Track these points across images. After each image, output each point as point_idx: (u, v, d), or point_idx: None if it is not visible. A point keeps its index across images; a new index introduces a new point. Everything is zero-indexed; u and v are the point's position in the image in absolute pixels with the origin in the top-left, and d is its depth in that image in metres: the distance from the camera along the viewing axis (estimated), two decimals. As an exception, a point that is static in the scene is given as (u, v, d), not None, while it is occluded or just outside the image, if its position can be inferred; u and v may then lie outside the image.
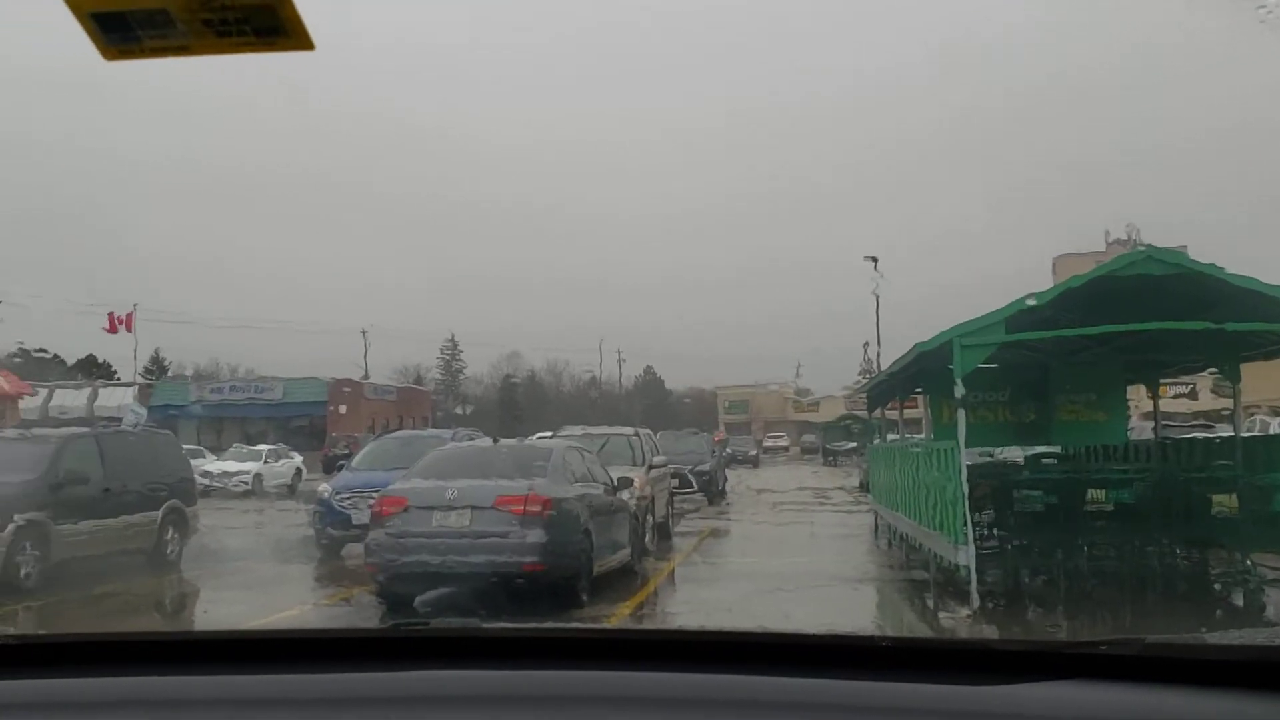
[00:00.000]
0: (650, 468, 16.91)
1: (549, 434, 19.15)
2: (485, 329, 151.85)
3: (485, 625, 1.95)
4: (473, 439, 17.51)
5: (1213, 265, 9.87)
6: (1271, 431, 29.16)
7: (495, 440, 13.39)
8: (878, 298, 52.87)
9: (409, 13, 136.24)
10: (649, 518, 15.41)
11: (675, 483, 20.41)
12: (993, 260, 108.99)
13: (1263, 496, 10.22)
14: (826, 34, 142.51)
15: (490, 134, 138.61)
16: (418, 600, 11.04)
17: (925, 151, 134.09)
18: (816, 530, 20.14)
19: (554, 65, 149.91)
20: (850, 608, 11.49)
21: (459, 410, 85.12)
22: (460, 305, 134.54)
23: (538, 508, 10.37)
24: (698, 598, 12.30)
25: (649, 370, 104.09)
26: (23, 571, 12.23)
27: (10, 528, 12.10)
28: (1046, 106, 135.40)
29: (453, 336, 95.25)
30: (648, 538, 15.15)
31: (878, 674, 1.60)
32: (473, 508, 10.45)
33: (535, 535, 10.24)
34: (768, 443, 71.26)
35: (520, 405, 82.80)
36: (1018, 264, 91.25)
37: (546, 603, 10.10)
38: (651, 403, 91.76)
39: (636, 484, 14.43)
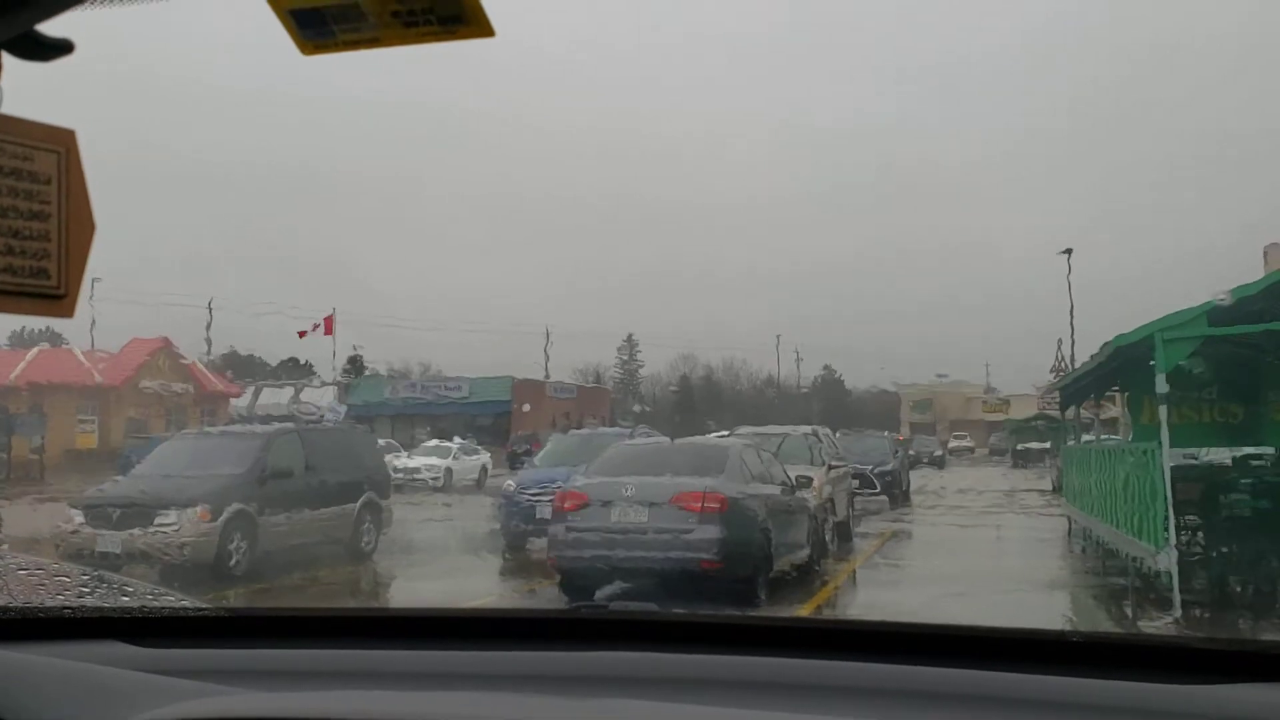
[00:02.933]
0: (829, 467, 16.68)
1: (725, 433, 19.14)
2: (663, 329, 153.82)
3: (662, 610, 1.97)
4: (650, 437, 17.68)
5: None
6: None
7: (671, 439, 13.47)
8: (1071, 292, 50.65)
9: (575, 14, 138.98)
10: (829, 518, 15.20)
11: (856, 483, 20.07)
12: (1196, 249, 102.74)
13: None
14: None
15: (662, 131, 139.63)
16: (597, 594, 11.24)
17: (1116, 124, 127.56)
18: (1005, 534, 19.44)
19: (720, 61, 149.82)
20: (1042, 613, 11.02)
21: (636, 409, 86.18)
22: (638, 305, 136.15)
23: (715, 505, 10.38)
24: (879, 600, 12.06)
25: (828, 369, 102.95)
26: (233, 560, 13.03)
27: (222, 517, 12.92)
28: (1257, 73, 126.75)
29: (630, 336, 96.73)
30: (828, 538, 14.95)
31: (1073, 669, 1.56)
32: (650, 504, 10.54)
33: (712, 532, 10.25)
34: (953, 443, 69.24)
35: (697, 404, 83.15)
36: (1224, 253, 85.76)
37: (724, 600, 10.09)
38: (830, 402, 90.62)
39: (815, 483, 14.28)
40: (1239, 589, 10.66)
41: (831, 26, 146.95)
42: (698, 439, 16.04)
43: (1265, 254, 58.42)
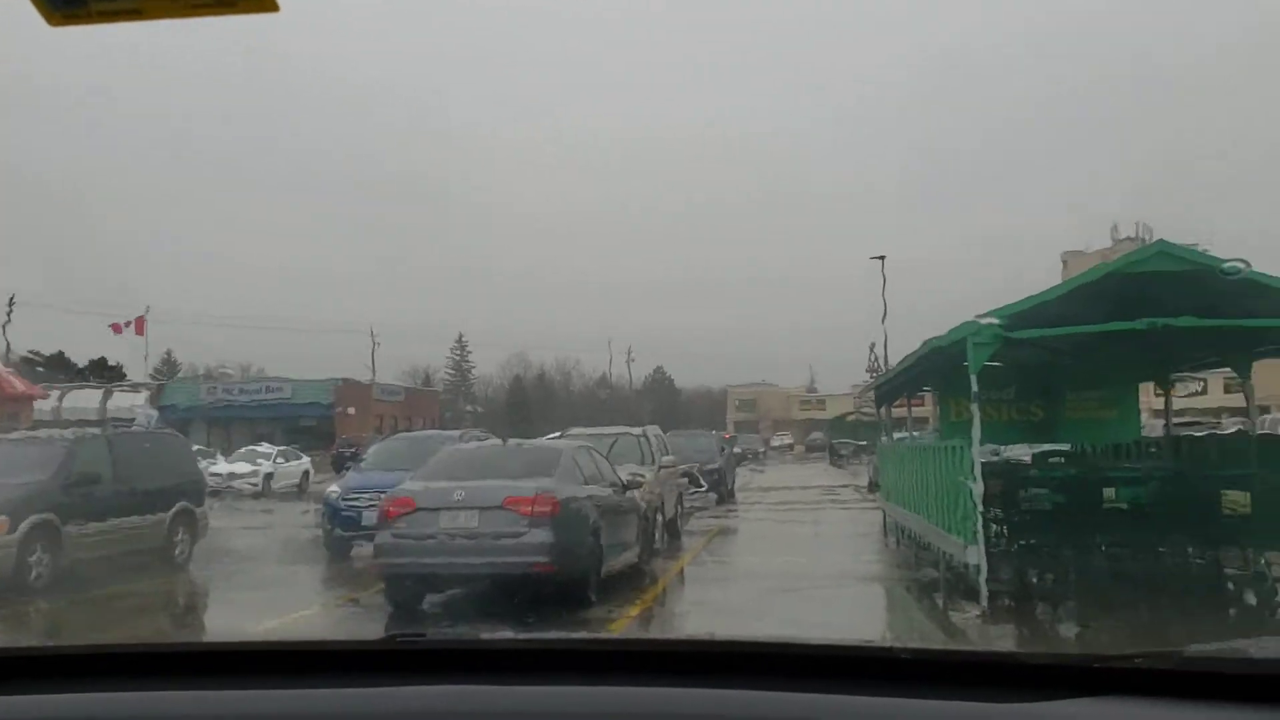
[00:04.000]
0: (660, 467, 16.87)
1: (557, 434, 19.12)
2: (495, 329, 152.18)
3: (484, 637, 1.88)
4: (481, 439, 17.49)
5: (1236, 261, 9.73)
6: (1283, 428, 29.07)
7: (504, 441, 13.36)
8: (884, 297, 52.77)
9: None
10: (658, 517, 15.38)
11: (685, 482, 20.36)
12: (1001, 259, 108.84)
13: (1276, 495, 10.14)
14: (836, 42, 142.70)
15: (499, 132, 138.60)
16: (426, 602, 11.04)
17: (934, 150, 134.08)
18: (825, 529, 20.10)
19: (562, 64, 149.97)
20: (860, 608, 11.46)
21: (468, 410, 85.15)
22: (469, 306, 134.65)
23: (546, 508, 10.34)
24: (707, 598, 12.26)
25: (659, 370, 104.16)
26: (34, 573, 12.25)
27: (22, 528, 12.12)
28: (1053, 107, 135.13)
29: (461, 337, 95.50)
30: (657, 537, 15.12)
31: (897, 688, 1.53)
32: (481, 508, 10.42)
33: (544, 536, 10.21)
34: (775, 441, 71.32)
35: (529, 405, 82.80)
36: (1026, 261, 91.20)
37: (555, 603, 10.07)
38: (661, 402, 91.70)
39: (646, 483, 14.41)
40: (1040, 579, 11.31)
41: (634, 35, 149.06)
42: (529, 441, 15.98)
43: (1064, 261, 62.18)
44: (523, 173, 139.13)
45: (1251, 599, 10.22)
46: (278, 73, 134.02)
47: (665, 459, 17.81)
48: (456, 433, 20.49)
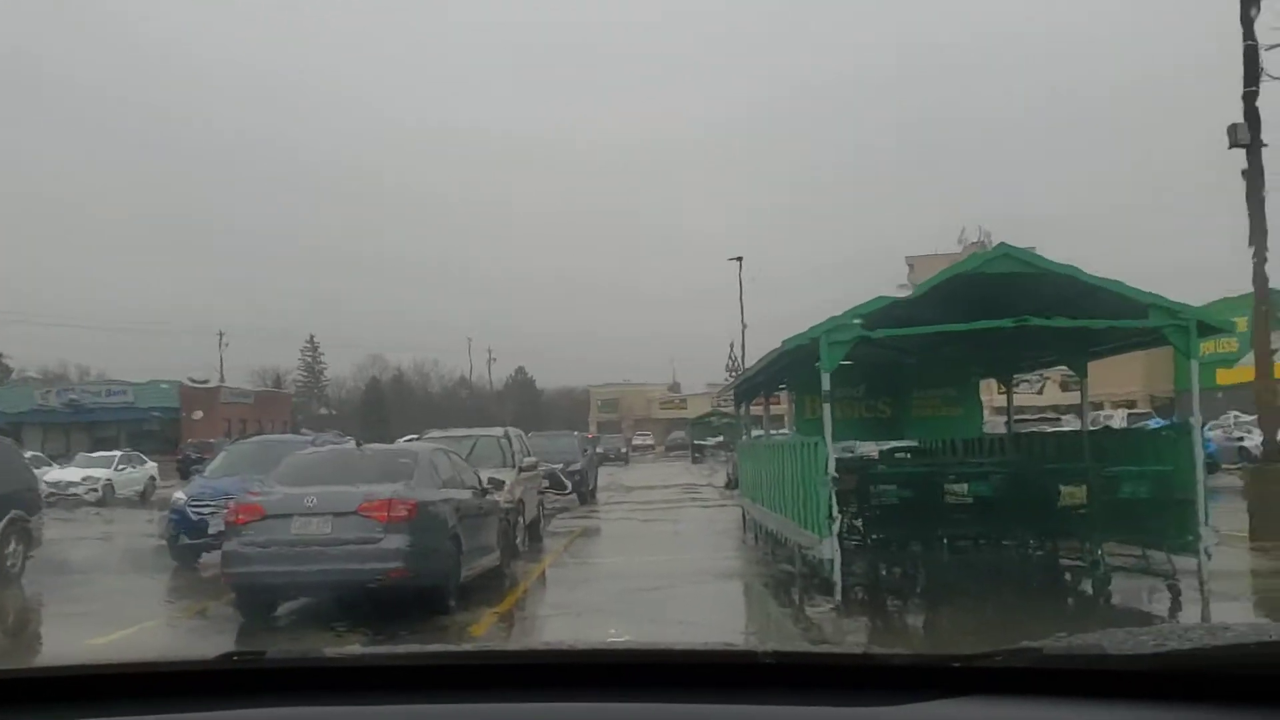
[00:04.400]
0: (521, 469, 16.75)
1: (415, 437, 18.79)
2: (350, 330, 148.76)
3: (328, 654, 1.79)
4: (335, 443, 17.05)
5: (1070, 266, 10.21)
6: (1115, 425, 30.73)
7: (358, 444, 13.02)
8: (742, 296, 53.77)
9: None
10: (519, 519, 15.26)
11: (546, 483, 20.29)
12: (853, 259, 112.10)
13: (1110, 487, 10.67)
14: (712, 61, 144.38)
15: (354, 124, 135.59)
16: (277, 611, 10.68)
17: (798, 165, 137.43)
18: (686, 527, 20.26)
19: (437, 50, 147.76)
20: (720, 605, 11.57)
21: (323, 413, 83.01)
22: (323, 306, 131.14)
23: (403, 513, 10.11)
24: (568, 600, 12.21)
25: (520, 370, 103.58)
26: None
27: None
28: (905, 112, 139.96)
29: (313, 338, 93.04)
30: (518, 540, 15.00)
31: (760, 694, 1.51)
32: (334, 514, 10.13)
33: (400, 541, 9.98)
34: (636, 440, 71.78)
35: (386, 408, 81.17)
36: (877, 263, 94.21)
37: (412, 610, 9.87)
38: (523, 403, 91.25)
39: (506, 486, 14.27)
40: (890, 572, 11.64)
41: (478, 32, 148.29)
42: (386, 444, 15.62)
43: (910, 265, 64.35)
44: (379, 165, 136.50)
45: (1088, 588, 10.73)
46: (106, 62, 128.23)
47: (526, 460, 17.70)
48: (309, 436, 19.95)
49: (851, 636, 9.53)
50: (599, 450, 43.17)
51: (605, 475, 35.41)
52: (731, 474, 26.43)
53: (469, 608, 10.73)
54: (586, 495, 26.33)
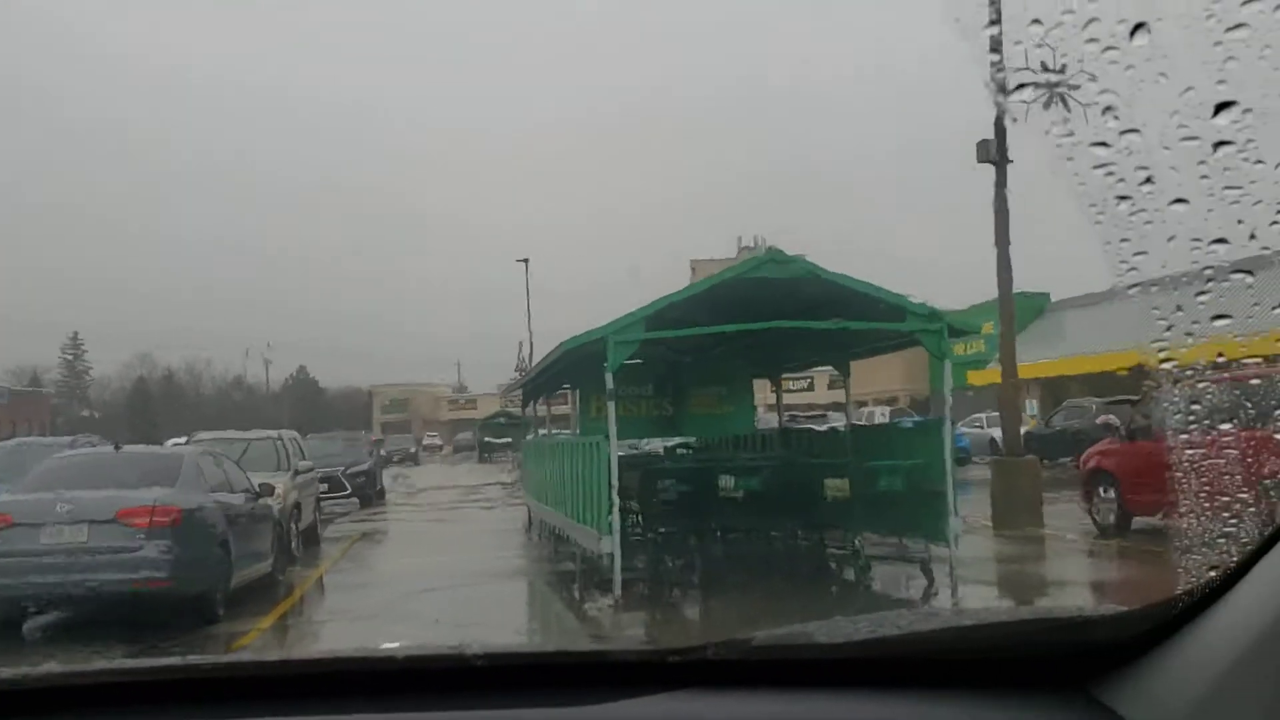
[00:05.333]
0: (296, 472, 16.23)
1: (183, 439, 17.91)
2: (116, 327, 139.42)
3: (75, 669, 1.67)
4: (94, 446, 16.05)
5: (840, 273, 10.77)
6: (877, 421, 32.56)
7: (118, 447, 12.30)
8: (529, 297, 53.98)
9: None
10: (294, 525, 14.79)
11: (325, 487, 19.79)
12: (639, 263, 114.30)
13: (870, 480, 11.32)
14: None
15: (108, 102, 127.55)
16: (27, 626, 9.99)
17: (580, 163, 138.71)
18: (471, 527, 20.16)
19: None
20: (502, 604, 11.58)
21: (85, 415, 77.71)
22: (86, 299, 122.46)
23: (166, 519, 9.64)
24: (345, 605, 11.93)
25: (301, 370, 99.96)
26: None
27: None
28: (692, 125, 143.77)
29: (75, 334, 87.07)
30: (294, 545, 14.55)
31: (471, 697, 1.49)
32: (90, 522, 9.55)
33: (163, 549, 9.51)
34: (425, 441, 70.84)
35: (154, 409, 76.76)
36: (661, 266, 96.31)
37: (177, 621, 9.42)
38: (303, 403, 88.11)
39: (279, 490, 13.83)
40: (668, 566, 11.96)
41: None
42: (149, 447, 14.82)
43: (693, 268, 66.16)
44: (153, 128, 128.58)
45: (850, 576, 11.35)
46: None
47: (303, 463, 17.16)
48: (67, 439, 18.69)
49: (630, 630, 9.75)
50: (385, 452, 42.34)
51: (391, 477, 34.78)
52: (518, 473, 26.45)
53: (239, 617, 10.34)
54: (370, 498, 25.77)
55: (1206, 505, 1.40)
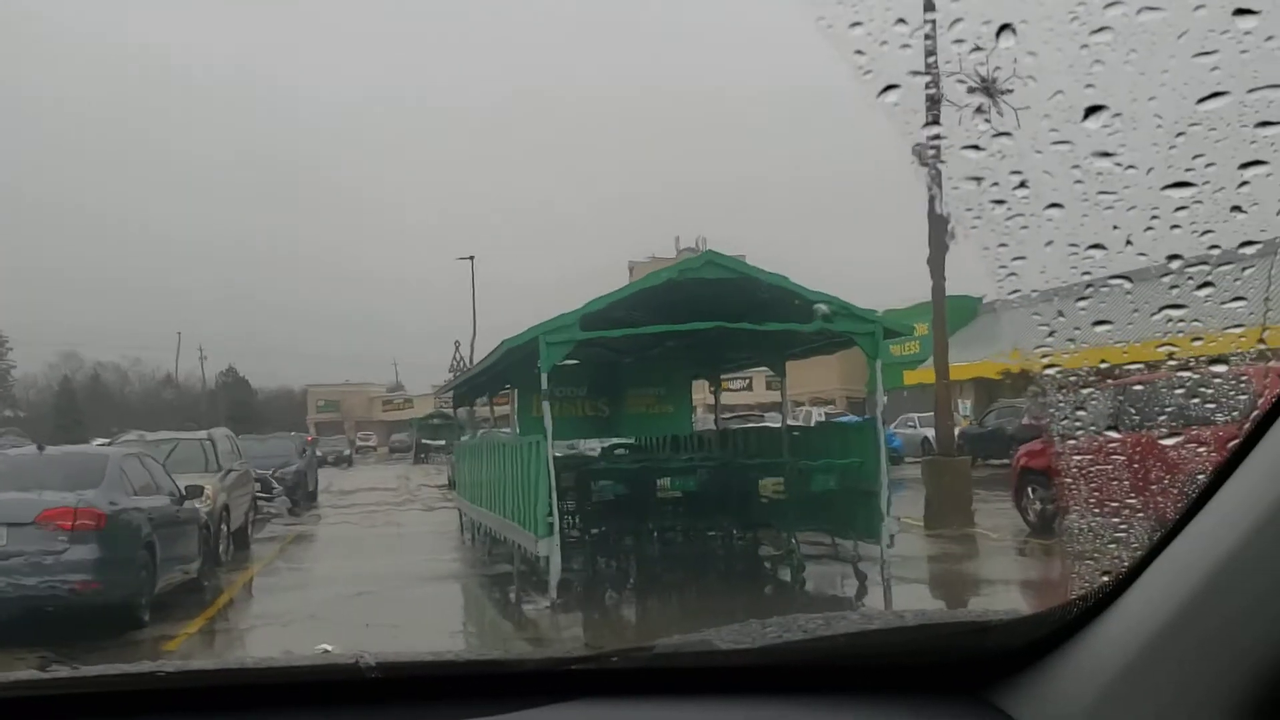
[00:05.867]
0: (228, 472, 15.95)
1: (108, 440, 17.51)
2: (41, 325, 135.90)
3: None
4: (17, 446, 15.63)
5: (777, 275, 10.83)
6: (813, 421, 32.85)
7: (41, 448, 11.99)
8: (474, 296, 53.64)
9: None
10: (224, 527, 14.54)
11: (257, 487, 19.48)
12: (578, 263, 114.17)
13: (805, 480, 11.41)
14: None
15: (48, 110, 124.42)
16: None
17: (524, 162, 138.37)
18: (405, 529, 19.97)
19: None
20: (436, 606, 11.48)
21: (8, 414, 75.63)
22: (7, 298, 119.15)
23: (89, 522, 9.42)
24: (276, 608, 11.73)
25: (231, 369, 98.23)
26: None
27: None
28: (632, 130, 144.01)
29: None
30: (223, 547, 14.31)
31: (363, 709, 1.46)
32: (9, 525, 9.31)
33: (86, 552, 9.29)
34: (359, 442, 70.11)
35: (80, 409, 74.89)
36: (599, 267, 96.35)
37: (101, 626, 9.19)
38: (236, 403, 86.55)
39: (208, 492, 13.58)
40: (605, 566, 11.96)
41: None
42: (73, 448, 14.47)
43: (630, 268, 66.27)
44: (68, 155, 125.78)
45: (785, 575, 11.43)
46: None
47: (235, 464, 16.87)
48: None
49: (566, 631, 9.72)
50: (319, 452, 41.80)
51: (325, 478, 34.35)
52: (451, 474, 26.27)
53: (166, 621, 10.14)
54: (304, 499, 25.40)
55: (1096, 510, 1.42)
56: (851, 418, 33.36)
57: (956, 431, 19.18)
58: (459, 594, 12.71)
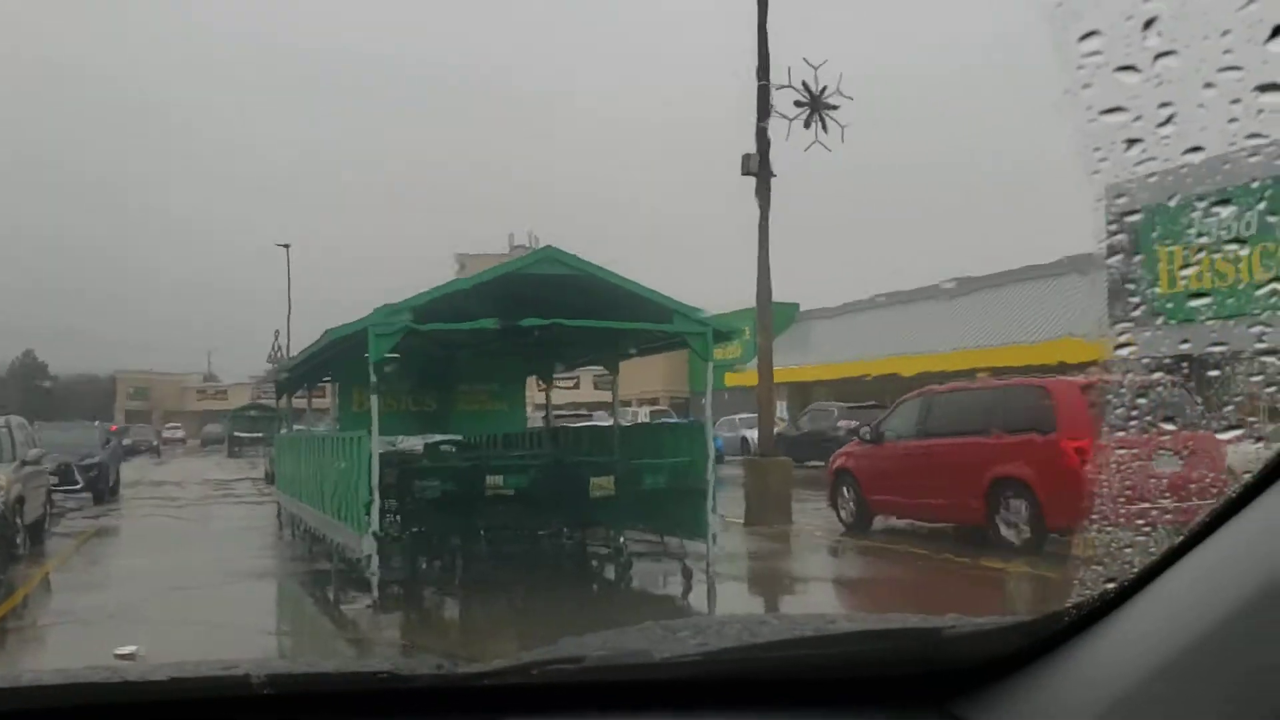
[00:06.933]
0: (22, 463, 14.92)
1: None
2: None
3: None
4: None
5: (609, 271, 10.85)
6: (641, 420, 33.22)
7: None
8: (290, 284, 51.99)
9: None
10: (18, 519, 13.61)
11: (56, 479, 18.34)
12: (403, 256, 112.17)
13: (635, 478, 11.50)
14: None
15: None
16: None
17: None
18: (218, 524, 19.18)
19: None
20: (251, 605, 11.03)
21: None
22: None
23: None
24: (77, 606, 11.02)
25: (29, 354, 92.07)
26: None
27: None
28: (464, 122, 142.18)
29: None
30: (18, 541, 13.40)
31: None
32: None
33: None
34: (166, 433, 66.96)
35: None
36: (427, 260, 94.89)
37: None
38: (32, 390, 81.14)
39: (2, 481, 12.71)
40: (429, 566, 11.76)
41: None
42: None
43: (461, 263, 65.59)
44: None
45: (612, 574, 11.51)
46: None
47: (31, 453, 15.81)
48: None
49: (386, 632, 9.50)
50: (127, 442, 39.73)
51: (133, 470, 32.63)
52: (269, 468, 25.37)
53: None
54: (107, 492, 24.06)
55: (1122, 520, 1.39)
56: (675, 418, 33.92)
57: (774, 433, 19.69)
58: (275, 592, 12.27)
